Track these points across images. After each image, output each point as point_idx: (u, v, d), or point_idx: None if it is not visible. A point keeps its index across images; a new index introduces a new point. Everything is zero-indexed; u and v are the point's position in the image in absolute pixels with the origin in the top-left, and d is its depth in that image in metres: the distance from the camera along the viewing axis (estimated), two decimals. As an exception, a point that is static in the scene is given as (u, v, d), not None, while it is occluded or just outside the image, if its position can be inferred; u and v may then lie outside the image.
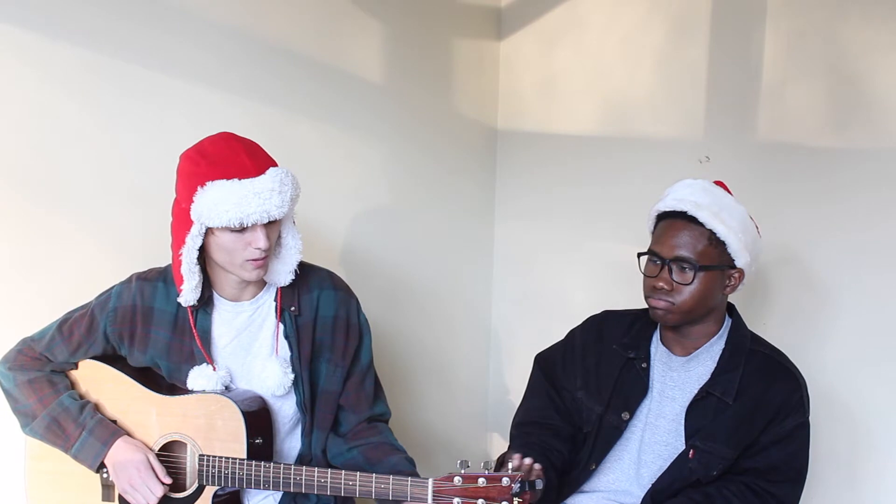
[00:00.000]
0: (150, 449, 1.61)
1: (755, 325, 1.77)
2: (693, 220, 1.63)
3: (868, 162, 2.15)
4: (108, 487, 1.63)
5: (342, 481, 1.51)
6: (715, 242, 1.63)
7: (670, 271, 1.64)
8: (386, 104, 2.48)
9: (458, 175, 2.78)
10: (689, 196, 1.64)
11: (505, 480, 1.45)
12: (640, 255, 1.72)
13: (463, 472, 1.46)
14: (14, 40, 1.69)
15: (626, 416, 1.74)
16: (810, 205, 2.24)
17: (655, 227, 1.72)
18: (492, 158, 2.89)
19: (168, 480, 1.58)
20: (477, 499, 1.45)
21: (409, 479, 1.48)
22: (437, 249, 2.73)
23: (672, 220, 1.66)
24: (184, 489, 1.61)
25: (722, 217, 1.62)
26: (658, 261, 1.66)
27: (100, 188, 1.84)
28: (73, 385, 1.67)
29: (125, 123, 1.87)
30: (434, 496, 1.46)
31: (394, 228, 2.55)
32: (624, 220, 2.51)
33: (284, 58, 2.18)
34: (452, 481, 1.46)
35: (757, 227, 1.73)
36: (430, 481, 1.46)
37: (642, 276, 1.72)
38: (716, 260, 1.64)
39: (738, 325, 1.75)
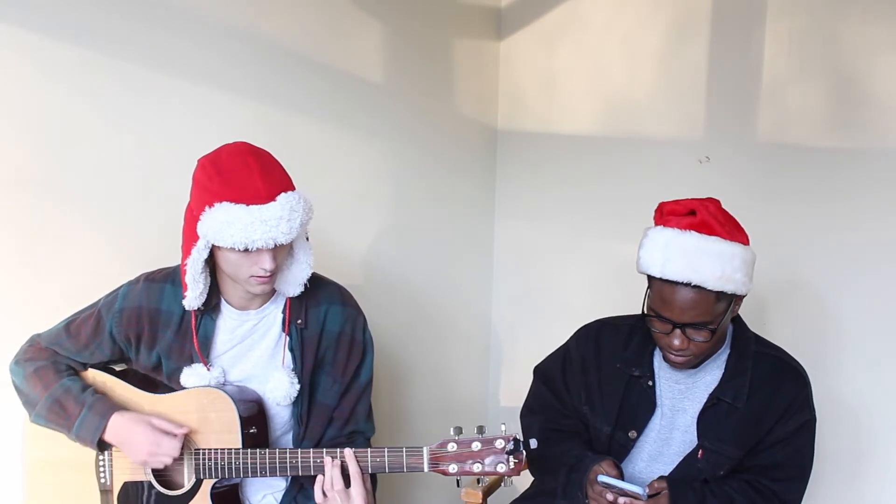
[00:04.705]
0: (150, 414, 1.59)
1: (755, 326, 1.77)
2: (698, 286, 1.55)
3: (868, 162, 2.15)
4: (105, 493, 1.63)
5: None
6: (723, 295, 1.58)
7: (683, 330, 1.60)
8: (386, 104, 2.48)
9: (458, 175, 2.77)
10: (689, 265, 1.54)
11: (499, 442, 1.45)
12: (644, 316, 1.65)
13: (457, 438, 1.47)
14: (17, 41, 1.69)
15: (633, 434, 1.72)
16: (810, 204, 2.25)
17: (651, 281, 1.64)
18: (492, 158, 2.89)
19: (183, 429, 1.55)
20: (473, 463, 1.46)
21: (405, 448, 1.49)
22: (437, 249, 2.73)
23: (674, 286, 1.57)
24: (181, 486, 1.60)
25: (727, 275, 1.55)
26: (669, 322, 1.60)
27: (106, 187, 1.84)
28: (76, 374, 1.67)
29: (128, 122, 1.87)
30: (430, 464, 1.47)
31: (394, 228, 2.55)
32: (624, 219, 2.50)
33: (285, 57, 2.18)
34: (447, 448, 1.46)
35: (745, 232, 1.66)
36: (426, 449, 1.47)
37: (653, 331, 1.65)
38: (725, 307, 1.60)
39: (742, 329, 1.73)
